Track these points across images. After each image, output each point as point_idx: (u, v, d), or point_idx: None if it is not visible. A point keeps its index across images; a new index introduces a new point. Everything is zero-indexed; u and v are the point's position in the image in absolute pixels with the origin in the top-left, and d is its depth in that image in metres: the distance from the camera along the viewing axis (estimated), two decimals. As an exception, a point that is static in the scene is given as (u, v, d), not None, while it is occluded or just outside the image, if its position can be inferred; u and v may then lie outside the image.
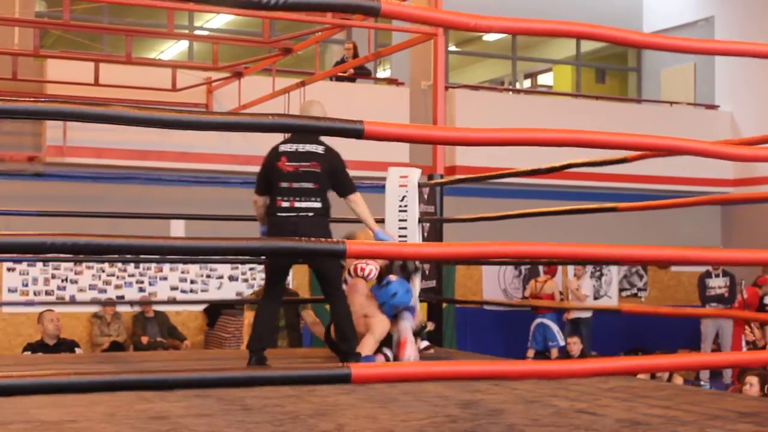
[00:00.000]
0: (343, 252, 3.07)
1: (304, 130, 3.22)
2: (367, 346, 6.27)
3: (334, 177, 6.08)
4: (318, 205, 6.00)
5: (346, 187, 6.13)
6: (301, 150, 6.03)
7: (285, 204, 6.01)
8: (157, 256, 8.70)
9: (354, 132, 3.12)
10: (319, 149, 6.06)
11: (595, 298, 15.79)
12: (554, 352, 13.48)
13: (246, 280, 13.50)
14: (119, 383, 2.80)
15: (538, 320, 13.67)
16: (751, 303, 13.63)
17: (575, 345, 12.38)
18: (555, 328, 13.55)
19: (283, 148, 6.07)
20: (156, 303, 12.78)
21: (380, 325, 6.33)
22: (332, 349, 6.54)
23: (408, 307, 6.56)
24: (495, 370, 3.47)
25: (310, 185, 6.01)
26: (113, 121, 2.88)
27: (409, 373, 3.19)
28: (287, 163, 6.03)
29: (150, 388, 2.91)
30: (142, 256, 8.97)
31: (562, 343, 13.33)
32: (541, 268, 14.22)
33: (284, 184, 6.04)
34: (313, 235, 5.76)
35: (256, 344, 6.11)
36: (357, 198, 6.17)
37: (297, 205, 5.99)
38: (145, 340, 12.28)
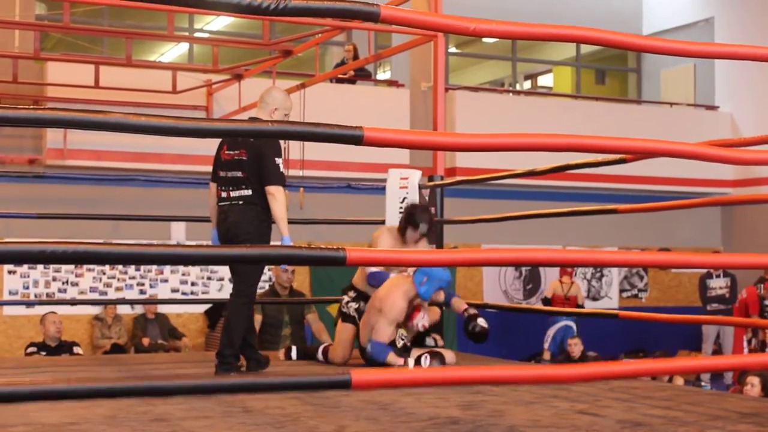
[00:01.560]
0: (343, 259, 3.08)
1: (303, 137, 3.22)
2: (381, 331, 6.07)
3: (259, 163, 5.75)
4: (248, 192, 5.79)
5: (264, 176, 5.74)
6: (239, 138, 5.78)
7: (223, 194, 5.89)
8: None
9: (353, 138, 3.13)
10: None
11: (595, 300, 15.80)
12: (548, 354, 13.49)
13: (247, 282, 13.50)
14: (121, 390, 2.81)
15: (563, 323, 13.63)
16: (751, 302, 13.63)
17: (576, 346, 12.38)
18: (575, 329, 13.56)
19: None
20: (156, 302, 12.78)
21: (393, 308, 6.06)
22: (362, 357, 6.30)
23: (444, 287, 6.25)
24: (495, 375, 3.48)
25: (238, 174, 5.81)
26: (112, 128, 2.89)
27: (409, 379, 3.20)
28: (226, 152, 5.89)
29: (151, 395, 2.92)
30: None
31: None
32: (549, 270, 14.18)
33: (222, 174, 5.91)
34: (240, 223, 5.76)
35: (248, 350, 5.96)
36: (275, 191, 5.77)
37: (231, 194, 5.85)
38: (146, 341, 12.29)
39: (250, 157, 5.76)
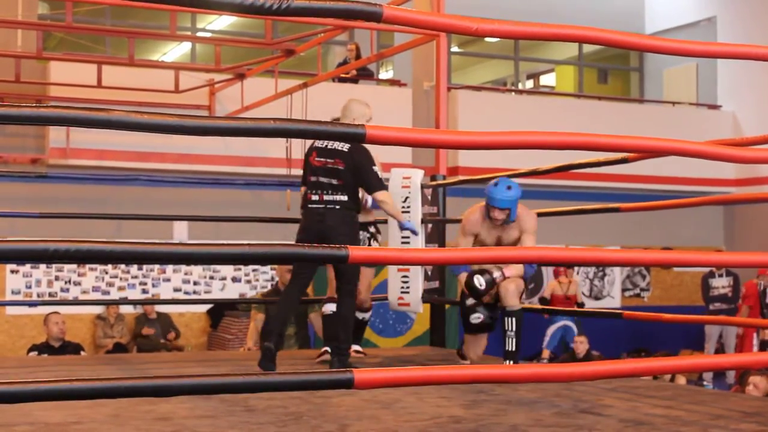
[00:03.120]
0: (346, 257, 3.08)
1: (305, 135, 3.23)
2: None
3: (358, 174, 6.14)
4: (344, 198, 6.11)
5: (370, 185, 6.17)
6: (329, 147, 6.17)
7: (314, 197, 6.16)
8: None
9: (356, 136, 3.14)
10: (344, 147, 6.16)
11: (598, 299, 15.79)
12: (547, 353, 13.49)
13: (249, 282, 13.52)
14: (124, 390, 2.82)
15: (562, 322, 13.62)
16: (750, 295, 13.63)
17: (582, 344, 12.36)
18: (575, 329, 13.55)
19: (316, 143, 6.27)
20: (159, 303, 12.80)
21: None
22: None
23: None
24: (497, 374, 3.48)
25: (334, 181, 6.12)
26: (115, 126, 2.89)
27: (412, 377, 3.20)
28: (317, 159, 6.19)
29: (154, 394, 2.92)
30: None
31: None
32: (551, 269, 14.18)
33: (313, 178, 6.19)
34: (339, 226, 6.05)
35: (267, 342, 6.08)
36: (383, 196, 6.20)
37: (325, 198, 6.13)
38: (146, 331, 12.30)
39: (348, 166, 6.12)
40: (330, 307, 6.82)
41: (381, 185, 6.19)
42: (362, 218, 6.73)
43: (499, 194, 6.13)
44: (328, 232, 6.07)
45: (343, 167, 6.13)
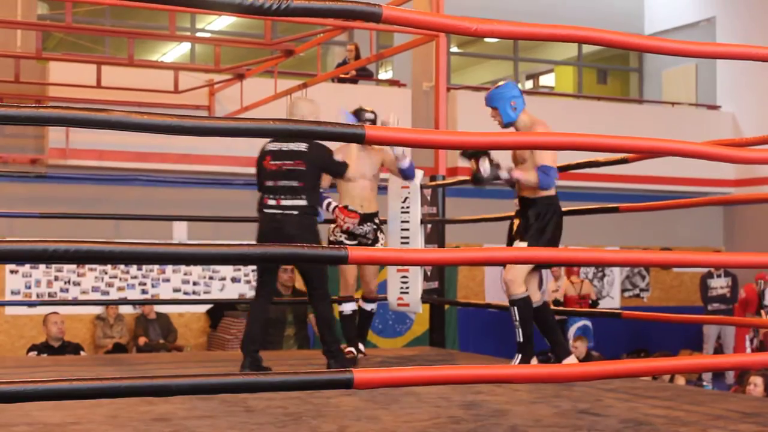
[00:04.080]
0: (345, 258, 3.08)
1: (305, 136, 3.23)
2: None
3: (323, 169, 6.08)
4: (303, 202, 5.94)
5: (337, 171, 6.20)
6: (285, 149, 5.98)
7: (271, 201, 5.97)
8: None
9: (356, 137, 3.14)
10: (303, 147, 5.97)
11: (597, 299, 15.79)
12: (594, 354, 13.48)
13: (248, 282, 13.51)
14: (122, 389, 2.82)
15: (582, 322, 13.61)
16: (750, 300, 13.64)
17: (581, 346, 12.36)
18: (591, 328, 13.54)
19: (269, 147, 6.07)
20: (158, 303, 12.79)
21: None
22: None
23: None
24: (497, 374, 3.48)
25: (294, 183, 5.95)
26: (115, 126, 2.90)
27: (411, 377, 3.20)
28: (272, 162, 6.00)
29: (153, 394, 2.92)
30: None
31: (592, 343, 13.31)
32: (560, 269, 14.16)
33: (270, 183, 6.00)
34: (298, 233, 5.85)
35: (249, 346, 6.02)
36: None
37: (283, 203, 5.95)
38: (142, 341, 12.29)
39: (310, 166, 5.97)
40: (350, 306, 6.89)
41: (344, 168, 6.22)
42: (369, 209, 6.71)
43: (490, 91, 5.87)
44: (288, 241, 5.82)
45: (305, 167, 5.96)
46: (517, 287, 5.74)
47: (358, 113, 6.78)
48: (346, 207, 6.53)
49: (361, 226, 6.65)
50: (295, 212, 5.92)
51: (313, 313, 8.84)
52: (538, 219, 5.80)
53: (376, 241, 6.80)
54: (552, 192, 5.83)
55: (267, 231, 6.00)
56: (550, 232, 5.83)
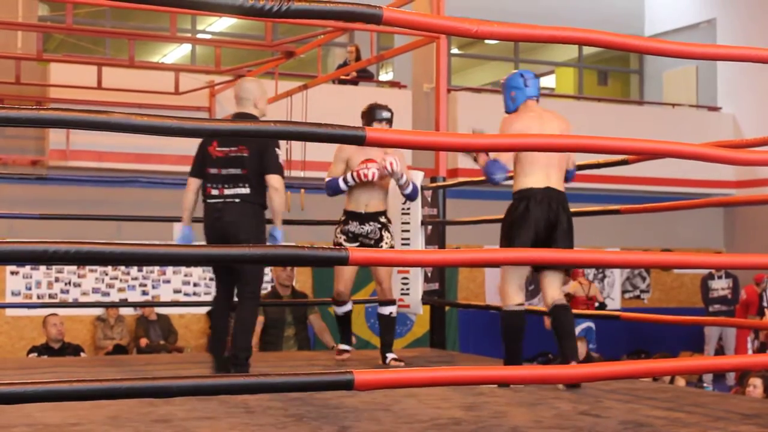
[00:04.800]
0: (346, 259, 3.08)
1: (305, 137, 3.23)
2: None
3: (262, 157, 5.66)
4: (246, 190, 5.66)
5: (268, 166, 5.66)
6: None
7: (214, 191, 5.74)
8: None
9: (356, 139, 3.14)
10: None
11: (604, 302, 15.79)
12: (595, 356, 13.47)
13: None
14: (123, 390, 2.82)
15: (585, 324, 13.60)
16: (751, 302, 13.64)
17: (581, 347, 12.35)
18: (594, 329, 13.54)
19: None
20: (158, 305, 12.78)
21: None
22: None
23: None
24: (497, 375, 3.48)
25: (238, 171, 5.67)
26: (115, 128, 2.90)
27: (412, 379, 3.20)
28: (218, 148, 5.74)
29: (153, 395, 2.93)
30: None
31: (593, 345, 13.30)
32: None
33: (213, 171, 5.75)
34: (239, 221, 5.64)
35: (216, 348, 5.86)
36: (275, 181, 5.69)
37: (225, 191, 5.70)
38: (143, 342, 12.28)
39: (253, 152, 5.66)
40: (342, 309, 6.76)
41: (279, 170, 5.69)
42: (377, 207, 6.57)
43: None
44: (228, 228, 5.67)
45: (248, 153, 5.66)
46: (504, 298, 5.60)
47: (373, 111, 6.62)
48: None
49: (363, 226, 6.54)
50: (237, 200, 5.68)
51: (313, 314, 8.85)
52: (504, 217, 5.67)
53: (381, 240, 6.59)
54: (524, 185, 5.54)
55: (209, 224, 5.79)
56: (505, 230, 5.63)
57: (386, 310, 6.67)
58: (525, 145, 3.44)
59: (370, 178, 6.36)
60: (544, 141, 3.51)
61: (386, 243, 6.61)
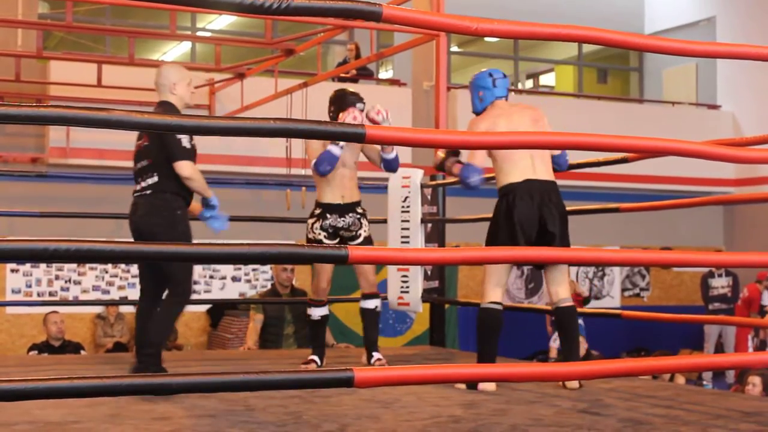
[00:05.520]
0: (345, 257, 3.08)
1: (305, 135, 3.23)
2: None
3: (162, 144, 5.25)
4: (155, 179, 5.30)
5: (171, 153, 5.23)
6: None
7: (136, 186, 5.51)
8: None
9: (356, 136, 3.14)
10: None
11: (597, 299, 15.80)
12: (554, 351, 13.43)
13: (249, 281, 13.52)
14: (123, 388, 2.82)
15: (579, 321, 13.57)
16: (753, 299, 13.64)
17: (581, 345, 12.36)
18: (583, 325, 13.54)
19: None
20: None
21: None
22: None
23: None
24: (497, 373, 3.49)
25: (146, 162, 5.37)
26: (115, 126, 2.90)
27: (412, 376, 3.20)
28: (137, 142, 5.52)
29: (153, 392, 2.93)
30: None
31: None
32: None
33: (134, 166, 5.55)
34: (149, 215, 5.32)
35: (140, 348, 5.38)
36: (183, 170, 5.28)
37: (140, 185, 5.44)
38: None
39: (152, 140, 5.31)
40: (319, 312, 6.35)
41: (183, 155, 5.26)
42: (353, 197, 6.27)
43: None
44: (139, 224, 5.39)
45: (149, 142, 5.33)
46: (482, 295, 5.38)
47: (342, 97, 6.27)
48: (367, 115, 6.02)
49: (343, 218, 6.22)
50: (148, 192, 5.34)
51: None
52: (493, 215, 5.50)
53: (360, 230, 6.29)
54: (504, 182, 5.44)
55: (129, 220, 5.53)
56: (491, 228, 5.46)
57: (371, 304, 6.38)
58: (518, 142, 3.44)
59: (360, 121, 5.87)
60: (539, 138, 3.51)
61: (365, 232, 6.29)
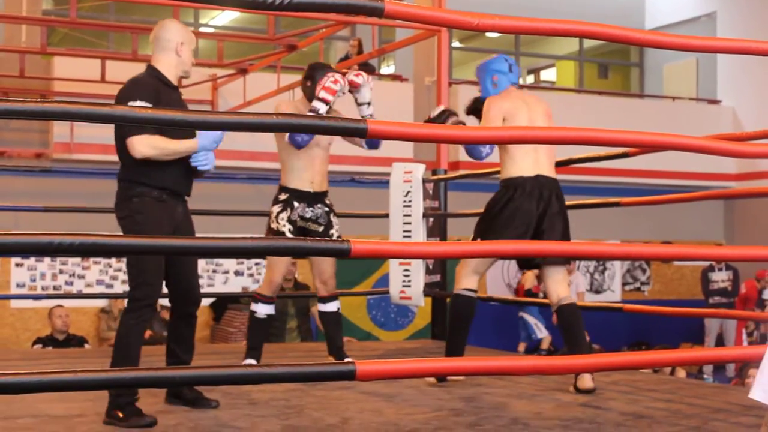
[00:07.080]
0: (348, 251, 3.11)
1: (308, 130, 3.26)
2: None
3: (116, 126, 4.42)
4: (119, 169, 4.56)
5: (121, 132, 4.37)
6: None
7: None
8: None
9: (358, 131, 3.17)
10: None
11: (598, 293, 15.81)
12: (545, 343, 13.41)
13: (251, 275, 13.55)
14: (127, 381, 2.85)
15: (519, 314, 13.53)
16: (750, 297, 13.67)
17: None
18: (532, 321, 13.47)
19: None
20: (162, 296, 12.81)
21: None
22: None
23: None
24: (498, 367, 3.51)
25: (117, 154, 4.57)
26: (119, 121, 2.94)
27: (413, 370, 3.23)
28: None
29: (156, 385, 2.96)
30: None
31: (540, 335, 13.22)
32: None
33: None
34: (117, 209, 4.65)
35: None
36: (133, 145, 4.32)
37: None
38: (147, 334, 12.31)
39: (116, 126, 4.47)
40: (264, 310, 5.83)
41: (132, 130, 4.29)
42: (323, 186, 5.73)
43: None
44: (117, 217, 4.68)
45: (114, 130, 4.49)
46: (459, 280, 5.25)
47: (316, 68, 5.68)
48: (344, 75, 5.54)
49: (311, 208, 5.67)
50: (119, 183, 4.59)
51: (315, 306, 8.85)
52: (487, 207, 5.39)
53: (330, 226, 5.72)
54: (513, 173, 5.35)
55: None
56: (487, 221, 5.29)
57: (333, 307, 5.87)
58: (526, 137, 3.47)
59: (342, 84, 5.41)
60: (544, 134, 3.53)
61: (335, 230, 5.76)
